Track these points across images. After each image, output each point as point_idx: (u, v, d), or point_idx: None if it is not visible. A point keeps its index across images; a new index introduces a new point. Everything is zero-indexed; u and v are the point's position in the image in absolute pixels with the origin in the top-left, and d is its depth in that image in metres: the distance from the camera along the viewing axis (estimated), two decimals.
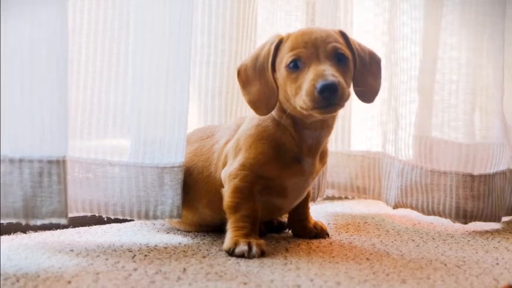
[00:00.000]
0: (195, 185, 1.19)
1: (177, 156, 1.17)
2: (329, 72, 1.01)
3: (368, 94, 1.14)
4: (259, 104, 1.11)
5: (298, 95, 1.04)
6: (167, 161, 1.16)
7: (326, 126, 1.13)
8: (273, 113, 1.13)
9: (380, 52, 1.59)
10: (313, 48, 1.05)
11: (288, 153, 1.12)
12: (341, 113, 1.62)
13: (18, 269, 0.94)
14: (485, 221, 1.41)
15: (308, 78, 1.02)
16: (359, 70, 1.12)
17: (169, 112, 1.16)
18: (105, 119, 1.17)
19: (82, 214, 1.24)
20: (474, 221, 1.40)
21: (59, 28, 1.00)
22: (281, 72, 1.08)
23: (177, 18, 1.14)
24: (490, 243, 1.25)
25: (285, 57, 1.07)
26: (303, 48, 1.05)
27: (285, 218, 1.32)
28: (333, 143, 1.61)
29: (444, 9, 1.45)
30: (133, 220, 1.31)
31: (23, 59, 0.98)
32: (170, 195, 1.16)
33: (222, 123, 1.31)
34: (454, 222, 1.41)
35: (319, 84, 0.99)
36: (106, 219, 1.25)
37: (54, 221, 1.00)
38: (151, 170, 1.16)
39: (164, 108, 1.15)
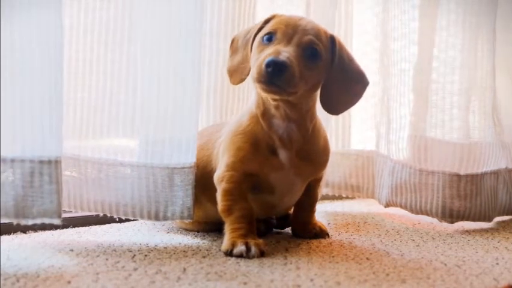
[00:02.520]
0: (200, 178, 1.19)
1: (187, 157, 1.16)
2: (285, 54, 1.02)
3: (335, 106, 1.14)
4: (235, 73, 1.15)
5: (254, 66, 1.05)
6: (177, 161, 1.16)
7: (291, 120, 1.11)
8: (253, 101, 1.14)
9: (377, 52, 1.60)
10: (290, 31, 1.06)
11: (263, 145, 1.12)
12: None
13: (18, 269, 0.94)
14: (473, 220, 1.41)
15: (266, 52, 1.04)
16: (332, 79, 1.11)
17: (179, 112, 1.16)
18: (116, 119, 1.17)
19: (86, 213, 1.24)
20: (461, 220, 1.41)
21: (53, 29, 1.00)
22: (255, 42, 1.10)
23: (185, 17, 1.14)
24: (489, 243, 1.25)
25: (264, 30, 1.09)
26: (283, 26, 1.07)
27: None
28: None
29: (439, 10, 1.45)
30: (137, 220, 1.30)
31: (14, 59, 0.97)
32: (181, 196, 1.16)
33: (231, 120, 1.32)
34: (441, 221, 1.42)
35: (268, 59, 1.00)
36: (106, 219, 1.25)
37: (46, 221, 1.00)
38: (161, 170, 1.16)
39: (174, 108, 1.15)
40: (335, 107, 1.15)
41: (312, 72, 1.07)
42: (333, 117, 1.61)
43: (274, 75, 1.00)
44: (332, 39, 1.11)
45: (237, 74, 1.14)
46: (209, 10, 1.37)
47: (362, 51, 1.65)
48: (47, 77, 1.00)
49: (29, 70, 0.99)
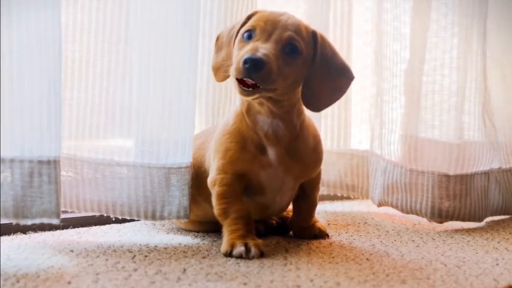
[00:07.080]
0: (195, 177, 1.19)
1: (184, 157, 1.16)
2: (264, 50, 1.02)
3: (316, 102, 1.12)
4: (218, 70, 1.14)
5: (233, 63, 1.05)
6: (173, 161, 1.16)
7: (277, 116, 1.11)
8: (239, 99, 1.14)
9: (373, 53, 1.59)
10: (270, 27, 1.06)
11: (249, 142, 1.11)
12: (330, 111, 1.62)
13: (18, 269, 0.94)
14: (463, 220, 1.42)
15: (244, 50, 1.03)
16: (316, 74, 1.10)
17: (175, 112, 1.16)
18: (112, 119, 1.17)
19: (86, 214, 1.24)
20: (450, 220, 1.41)
21: (51, 29, 1.00)
22: (237, 39, 1.10)
23: (182, 16, 1.14)
24: (489, 243, 1.25)
25: (245, 27, 1.09)
26: (263, 23, 1.07)
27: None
28: (325, 141, 1.61)
29: (431, 12, 1.45)
30: (134, 220, 1.30)
31: (13, 59, 0.98)
32: (177, 196, 1.16)
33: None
34: (430, 221, 1.42)
35: (245, 56, 1.00)
36: (106, 219, 1.25)
37: (45, 220, 1.00)
38: (158, 170, 1.16)
39: (170, 108, 1.16)
40: (315, 103, 1.13)
41: (291, 68, 1.06)
42: (328, 116, 1.61)
43: (252, 72, 1.00)
44: (314, 35, 1.11)
45: (220, 71, 1.14)
46: (202, 11, 1.36)
47: (362, 52, 1.65)
48: (45, 77, 1.00)
49: (27, 70, 0.99)
